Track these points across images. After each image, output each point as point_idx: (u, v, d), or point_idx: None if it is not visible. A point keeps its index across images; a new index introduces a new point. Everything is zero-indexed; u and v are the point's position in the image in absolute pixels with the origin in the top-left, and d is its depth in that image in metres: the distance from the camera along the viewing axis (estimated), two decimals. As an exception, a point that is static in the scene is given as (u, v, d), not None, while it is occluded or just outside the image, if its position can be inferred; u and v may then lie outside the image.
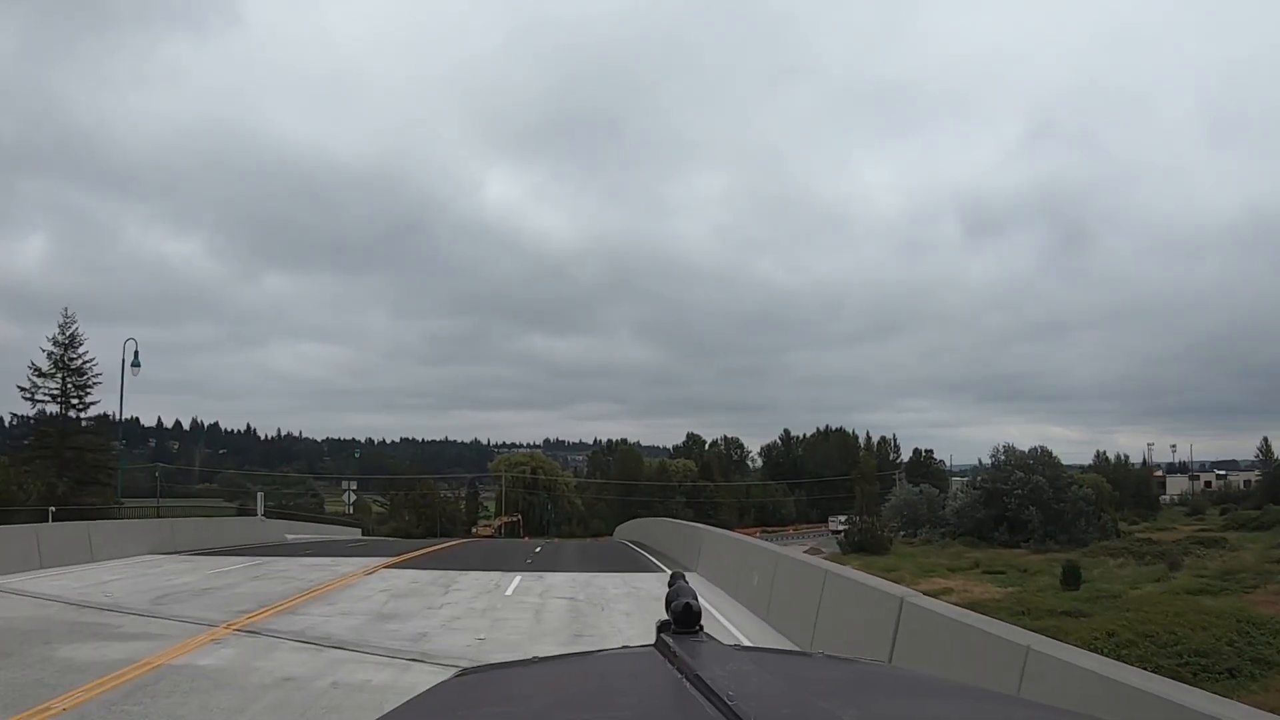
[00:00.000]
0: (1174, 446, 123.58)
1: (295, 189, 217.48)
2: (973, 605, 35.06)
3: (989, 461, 75.47)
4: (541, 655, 1.68)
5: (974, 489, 71.68)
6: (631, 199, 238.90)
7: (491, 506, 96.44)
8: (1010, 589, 44.77)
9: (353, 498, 56.51)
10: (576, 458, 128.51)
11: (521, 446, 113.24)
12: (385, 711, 1.21)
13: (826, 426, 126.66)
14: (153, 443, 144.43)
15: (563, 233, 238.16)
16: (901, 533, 72.90)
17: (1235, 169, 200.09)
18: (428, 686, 1.48)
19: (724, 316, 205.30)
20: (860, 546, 60.50)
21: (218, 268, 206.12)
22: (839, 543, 63.59)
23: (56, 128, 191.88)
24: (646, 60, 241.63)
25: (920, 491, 76.50)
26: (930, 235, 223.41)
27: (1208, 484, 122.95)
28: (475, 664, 1.74)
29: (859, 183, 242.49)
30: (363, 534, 58.13)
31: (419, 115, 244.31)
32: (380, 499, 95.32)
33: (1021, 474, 69.53)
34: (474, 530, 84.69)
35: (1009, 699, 1.28)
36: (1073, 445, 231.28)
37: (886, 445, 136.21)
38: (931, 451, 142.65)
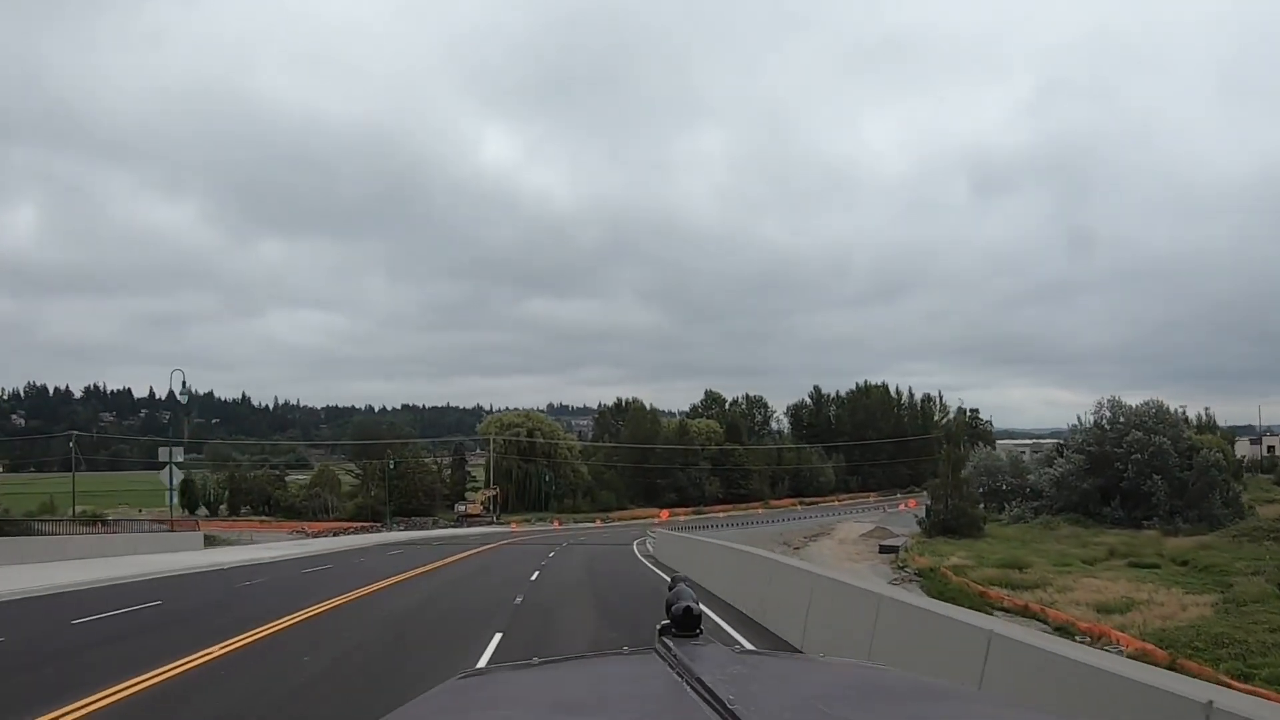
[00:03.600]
0: (1207, 409, 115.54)
1: (286, 151, 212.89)
2: (1216, 640, 23.02)
3: (1089, 419, 63.05)
4: (541, 659, 1.64)
5: (1076, 453, 59.45)
6: (632, 158, 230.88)
7: (481, 477, 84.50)
8: (1206, 596, 32.88)
9: (178, 475, 39.10)
10: (581, 422, 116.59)
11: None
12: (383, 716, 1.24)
13: (866, 382, 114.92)
14: (143, 413, 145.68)
15: (562, 194, 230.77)
16: (981, 505, 60.82)
17: (1252, 127, 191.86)
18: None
19: (727, 279, 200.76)
20: (948, 527, 48.84)
21: (211, 235, 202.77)
22: (919, 522, 51.84)
23: (41, 94, 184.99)
24: (646, 12, 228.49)
25: (1004, 456, 64.53)
26: (938, 195, 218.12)
27: (1270, 449, 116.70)
28: (473, 668, 1.72)
29: (866, 141, 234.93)
30: (205, 539, 41.20)
31: (411, 72, 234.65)
32: (354, 468, 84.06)
33: (1141, 434, 57.14)
34: (458, 508, 72.87)
35: (1012, 704, 1.30)
36: (1078, 410, 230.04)
37: (931, 404, 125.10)
38: (978, 411, 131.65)
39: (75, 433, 64.82)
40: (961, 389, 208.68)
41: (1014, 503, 59.17)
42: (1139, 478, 56.10)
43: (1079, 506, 57.36)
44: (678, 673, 1.22)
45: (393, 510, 68.68)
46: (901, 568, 39.89)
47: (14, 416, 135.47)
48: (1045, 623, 26.95)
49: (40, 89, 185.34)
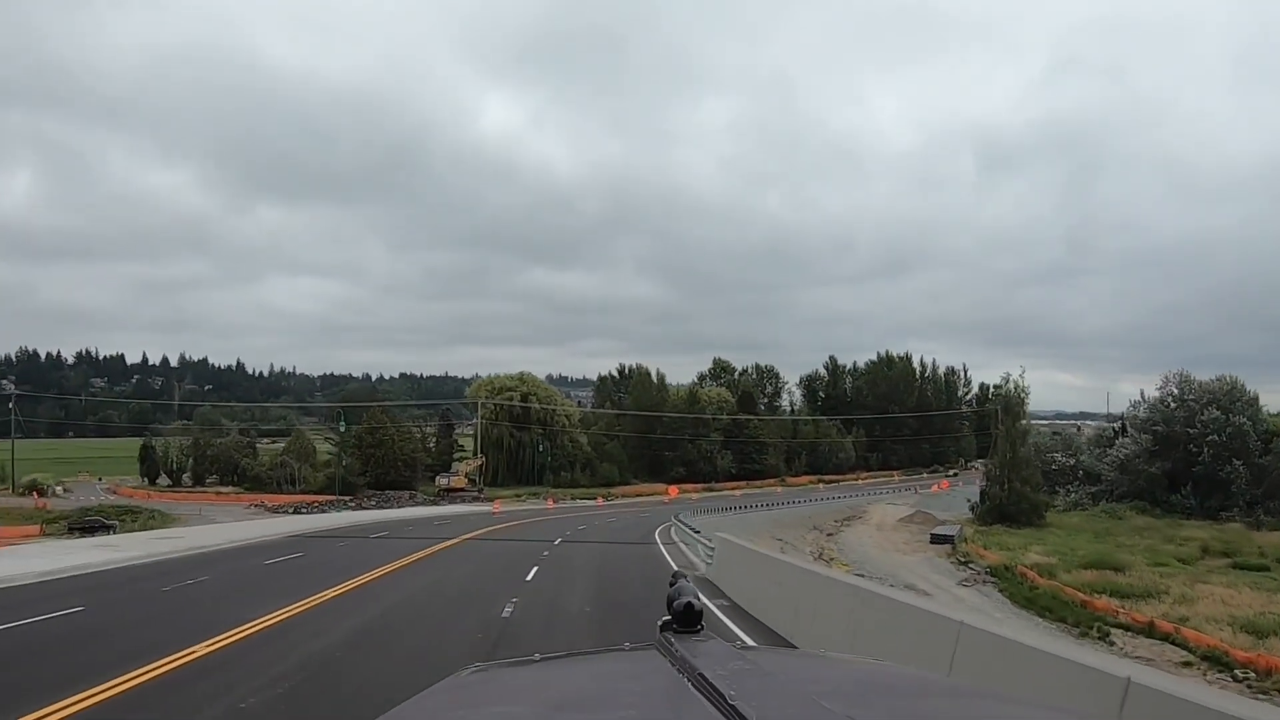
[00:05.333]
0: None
1: (285, 116, 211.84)
2: None
3: (1154, 394, 57.62)
4: (543, 655, 1.68)
5: (1142, 432, 54.12)
6: (635, 127, 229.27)
7: (470, 446, 78.63)
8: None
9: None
10: (580, 393, 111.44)
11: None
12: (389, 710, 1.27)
13: (888, 352, 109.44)
14: (135, 379, 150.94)
15: (564, 163, 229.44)
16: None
17: (1265, 112, 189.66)
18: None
19: (730, 253, 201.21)
20: (1005, 514, 43.57)
21: (208, 200, 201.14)
22: (971, 507, 46.57)
23: (35, 56, 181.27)
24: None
25: (1056, 435, 59.23)
26: (944, 171, 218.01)
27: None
28: (479, 662, 1.74)
29: (872, 114, 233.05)
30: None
31: (411, 36, 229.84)
32: (331, 436, 78.65)
33: (1218, 413, 51.69)
34: (439, 481, 66.56)
35: (1011, 698, 1.36)
36: (1076, 393, 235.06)
37: (955, 378, 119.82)
38: (1000, 388, 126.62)
39: (16, 392, 59.28)
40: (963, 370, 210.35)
41: (1071, 486, 53.91)
42: (1215, 463, 50.85)
43: (1145, 493, 52.19)
44: (679, 668, 1.25)
45: (368, 482, 62.97)
46: (964, 563, 34.60)
47: (4, 382, 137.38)
48: (1187, 648, 21.58)
49: (34, 51, 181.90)
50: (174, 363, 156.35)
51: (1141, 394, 58.17)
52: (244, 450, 75.48)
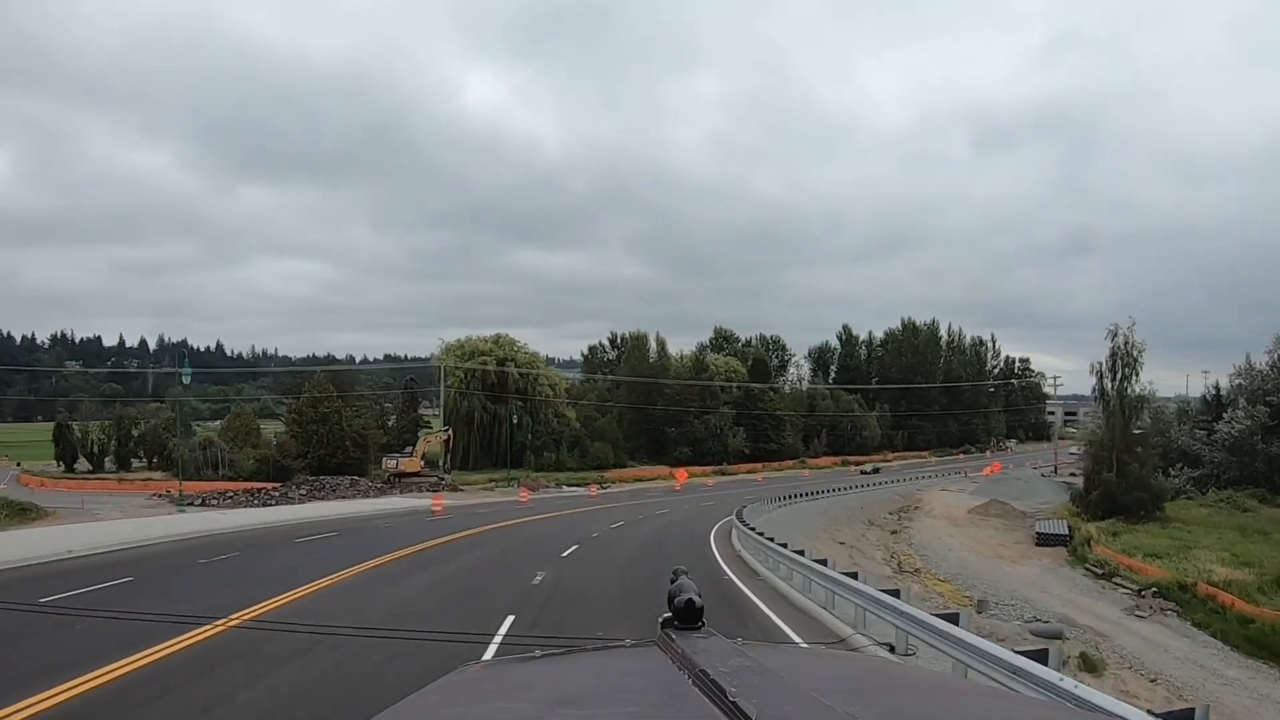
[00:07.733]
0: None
1: (267, 93, 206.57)
2: None
3: (1263, 361, 49.64)
4: (544, 651, 1.69)
5: (1258, 404, 46.04)
6: (625, 103, 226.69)
7: (437, 424, 68.99)
8: None
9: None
10: (570, 374, 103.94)
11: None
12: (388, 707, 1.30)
13: (911, 320, 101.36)
14: (110, 362, 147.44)
15: (552, 140, 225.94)
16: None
17: (1265, 90, 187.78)
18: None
19: (720, 232, 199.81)
20: (1118, 505, 35.12)
21: (190, 180, 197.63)
22: (1073, 497, 38.23)
23: (9, 35, 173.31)
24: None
25: (1143, 403, 50.76)
26: (939, 149, 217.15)
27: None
28: (477, 660, 1.73)
29: (866, 90, 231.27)
30: None
31: (395, 10, 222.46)
32: (282, 414, 70.22)
33: (1357, 379, 43.58)
34: (387, 463, 55.43)
35: (1011, 696, 1.38)
36: (1068, 376, 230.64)
37: (983, 349, 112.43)
38: (1029, 361, 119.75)
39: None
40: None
41: (1172, 470, 45.74)
42: (1355, 440, 42.83)
43: (1263, 478, 44.09)
44: (679, 665, 1.28)
45: (308, 465, 53.53)
46: (1102, 575, 26.09)
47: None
48: None
49: (8, 27, 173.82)
50: (152, 345, 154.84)
51: (1247, 358, 50.01)
52: (174, 431, 66.58)
